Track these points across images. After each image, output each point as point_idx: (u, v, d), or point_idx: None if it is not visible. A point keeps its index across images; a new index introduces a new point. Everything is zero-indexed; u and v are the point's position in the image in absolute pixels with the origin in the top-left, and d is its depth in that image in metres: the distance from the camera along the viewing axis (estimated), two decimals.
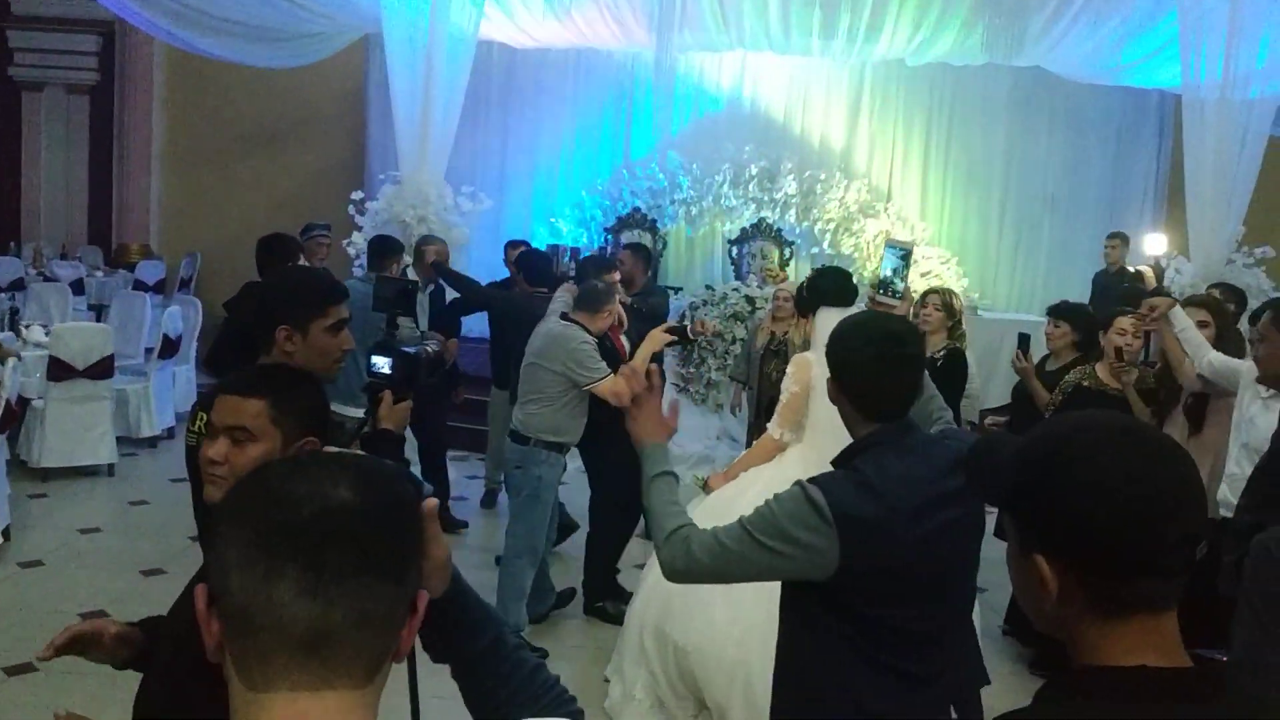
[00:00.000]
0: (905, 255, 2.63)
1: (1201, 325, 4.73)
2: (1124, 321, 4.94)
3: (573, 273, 7.21)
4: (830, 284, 4.70)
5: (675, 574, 2.25)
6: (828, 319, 4.36)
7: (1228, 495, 4.04)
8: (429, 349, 3.15)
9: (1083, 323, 5.54)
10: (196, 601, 1.02)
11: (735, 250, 10.98)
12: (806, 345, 5.11)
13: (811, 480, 2.19)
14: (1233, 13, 7.60)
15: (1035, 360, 5.60)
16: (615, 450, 4.59)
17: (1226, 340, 4.88)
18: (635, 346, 5.15)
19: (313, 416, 2.05)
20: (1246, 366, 4.45)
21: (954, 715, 2.33)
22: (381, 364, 3.07)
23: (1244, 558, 3.21)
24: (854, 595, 2.14)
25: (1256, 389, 4.09)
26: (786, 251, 10.86)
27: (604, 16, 9.47)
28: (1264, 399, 4.01)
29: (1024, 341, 5.48)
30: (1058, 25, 8.76)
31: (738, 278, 10.56)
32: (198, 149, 13.07)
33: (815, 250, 11.08)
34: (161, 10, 8.46)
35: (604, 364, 4.82)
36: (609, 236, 11.06)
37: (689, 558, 2.19)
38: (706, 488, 4.55)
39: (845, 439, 4.16)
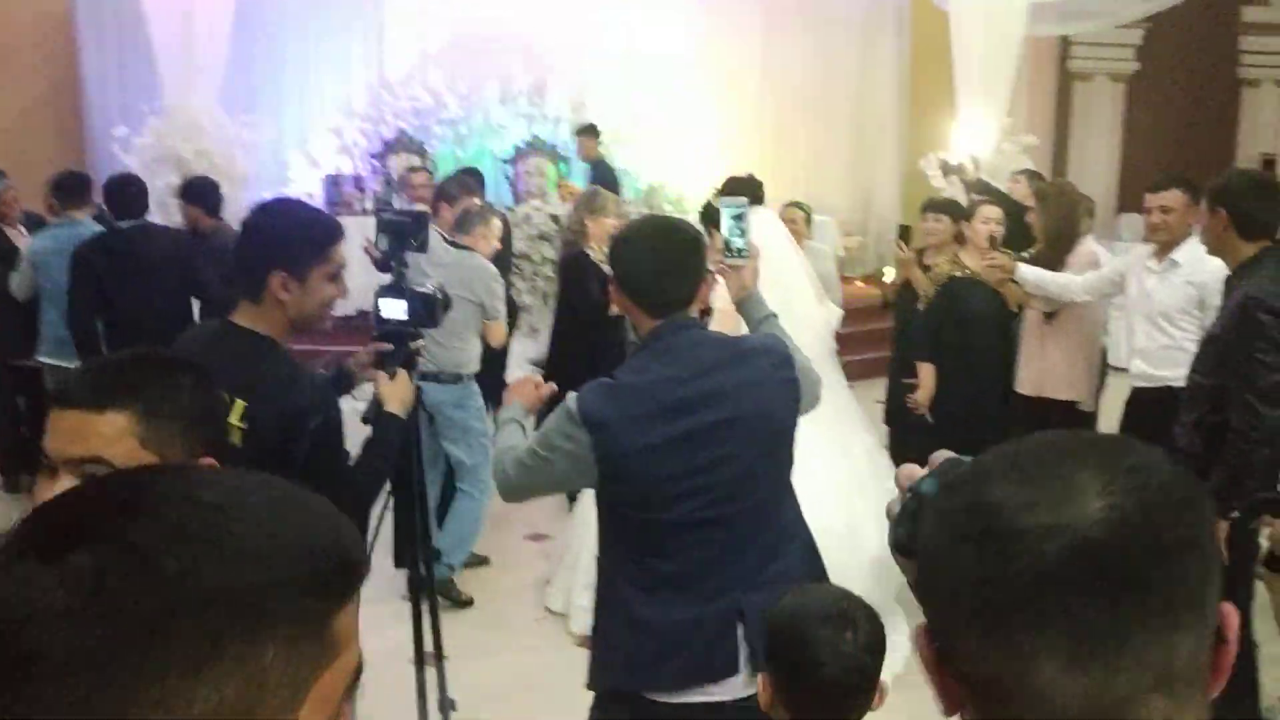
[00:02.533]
0: (739, 215, 2.57)
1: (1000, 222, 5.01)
2: (988, 210, 5.19)
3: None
4: (747, 187, 4.75)
5: (500, 490, 2.47)
6: (755, 219, 4.39)
7: (1142, 366, 4.36)
8: (434, 287, 2.82)
9: (959, 214, 5.85)
10: (921, 647, 0.80)
11: (510, 169, 10.67)
12: None
13: (578, 390, 2.28)
14: None
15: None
16: None
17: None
18: None
19: (204, 425, 1.45)
20: (1120, 262, 4.77)
21: (740, 631, 2.25)
22: (395, 309, 2.73)
23: (1204, 415, 3.49)
24: (622, 499, 2.25)
25: (1146, 264, 4.41)
26: (562, 167, 10.67)
27: None
28: (1158, 273, 4.33)
29: (904, 233, 5.74)
30: None
31: (515, 198, 10.30)
32: None
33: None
34: None
35: None
36: (376, 164, 10.44)
37: (503, 474, 2.36)
38: None
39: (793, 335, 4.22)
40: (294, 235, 2.30)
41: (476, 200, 4.95)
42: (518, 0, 10.76)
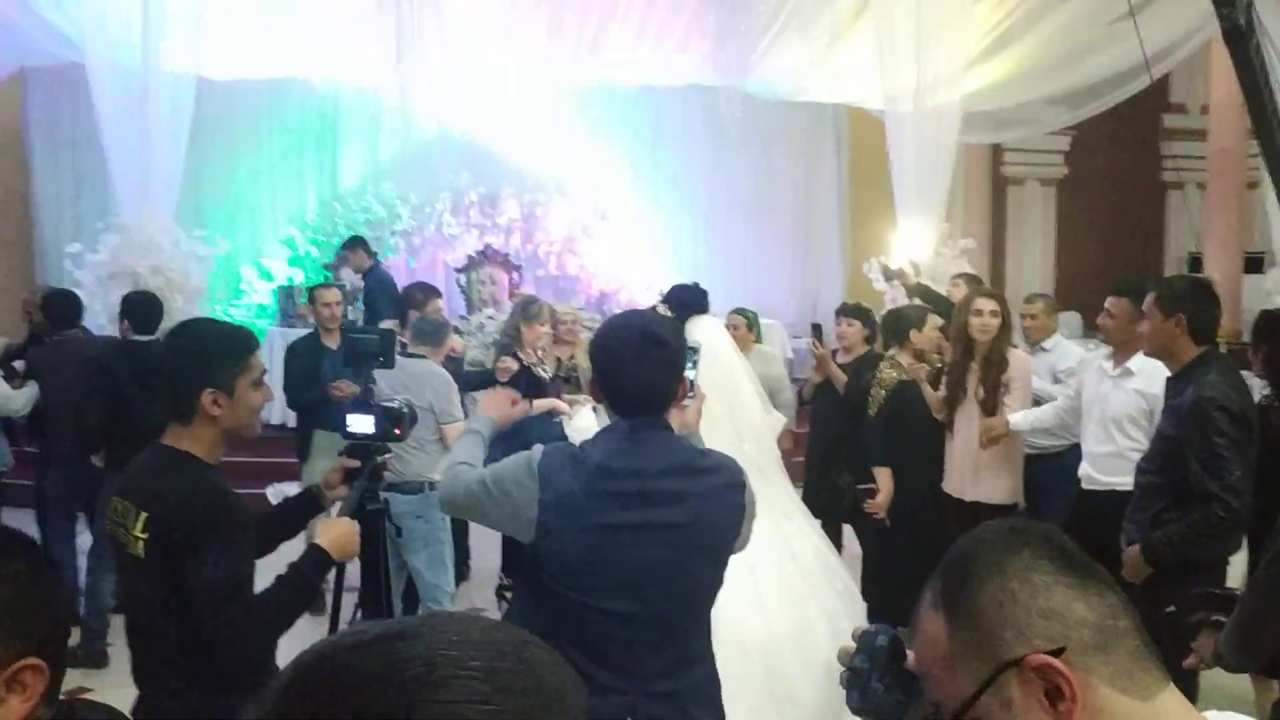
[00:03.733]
0: (694, 350, 2.69)
1: (993, 314, 5.12)
2: (934, 322, 5.38)
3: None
4: (693, 295, 4.83)
5: (443, 502, 2.49)
6: (699, 328, 4.50)
7: (1089, 470, 4.49)
8: (402, 402, 2.90)
9: (870, 319, 6.12)
10: (1060, 672, 0.98)
11: (463, 278, 10.82)
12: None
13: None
14: (919, 25, 8.48)
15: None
16: None
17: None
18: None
19: (35, 620, 1.26)
20: (1076, 381, 4.96)
21: None
22: (361, 423, 2.80)
23: (1161, 512, 3.61)
24: (552, 567, 2.26)
25: (1102, 369, 4.57)
26: (515, 276, 10.84)
27: (321, 42, 9.01)
28: (1113, 377, 4.47)
29: (817, 330, 6.05)
30: (763, 41, 9.36)
31: (468, 306, 10.45)
32: None
33: (541, 272, 11.18)
34: None
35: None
36: (328, 275, 10.54)
37: (452, 488, 2.39)
38: None
39: (731, 442, 4.30)
40: (214, 351, 2.36)
41: (440, 303, 5.10)
42: (469, 113, 11.05)
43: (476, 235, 11.00)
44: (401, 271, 11.09)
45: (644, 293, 11.26)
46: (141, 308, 5.44)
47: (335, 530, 2.50)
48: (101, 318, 7.17)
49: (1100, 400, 4.43)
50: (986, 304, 5.04)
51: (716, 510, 2.32)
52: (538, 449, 2.28)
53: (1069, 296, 12.06)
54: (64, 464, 5.37)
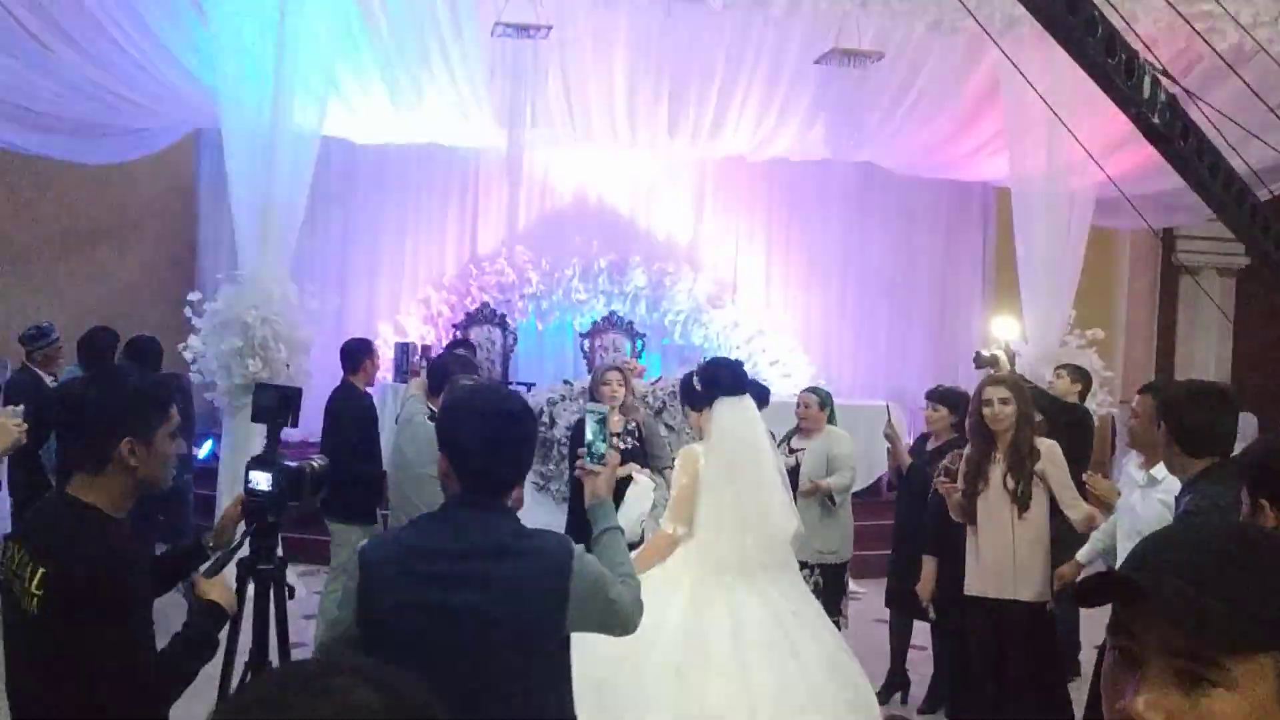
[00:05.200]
0: (602, 419, 2.57)
1: (1003, 402, 4.72)
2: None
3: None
4: (727, 374, 4.56)
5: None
6: (727, 409, 4.30)
7: None
8: (314, 463, 2.89)
9: (961, 405, 5.74)
10: None
11: (587, 343, 10.92)
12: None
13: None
14: (1051, 109, 8.07)
15: (911, 442, 5.84)
16: None
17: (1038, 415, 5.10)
18: None
19: None
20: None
21: None
22: (260, 480, 2.80)
23: None
24: (370, 650, 2.16)
25: (1132, 478, 4.17)
26: (639, 343, 10.86)
27: (452, 111, 9.34)
28: (1141, 487, 4.09)
29: (889, 411, 5.90)
30: (890, 122, 9.14)
31: (591, 371, 10.50)
32: (3, 249, 12.20)
33: (666, 341, 11.17)
34: None
35: None
36: (458, 334, 10.83)
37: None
38: None
39: (733, 534, 4.06)
40: (140, 400, 2.34)
41: (465, 379, 5.05)
42: (601, 184, 11.24)
43: (604, 302, 11.11)
44: (530, 334, 11.30)
45: (768, 367, 11.07)
46: (97, 344, 5.56)
47: (220, 586, 2.48)
48: (213, 364, 7.55)
49: (1129, 511, 4.04)
50: (995, 392, 4.69)
51: (524, 597, 2.16)
52: (365, 542, 2.29)
53: (1246, 399, 11.12)
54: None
